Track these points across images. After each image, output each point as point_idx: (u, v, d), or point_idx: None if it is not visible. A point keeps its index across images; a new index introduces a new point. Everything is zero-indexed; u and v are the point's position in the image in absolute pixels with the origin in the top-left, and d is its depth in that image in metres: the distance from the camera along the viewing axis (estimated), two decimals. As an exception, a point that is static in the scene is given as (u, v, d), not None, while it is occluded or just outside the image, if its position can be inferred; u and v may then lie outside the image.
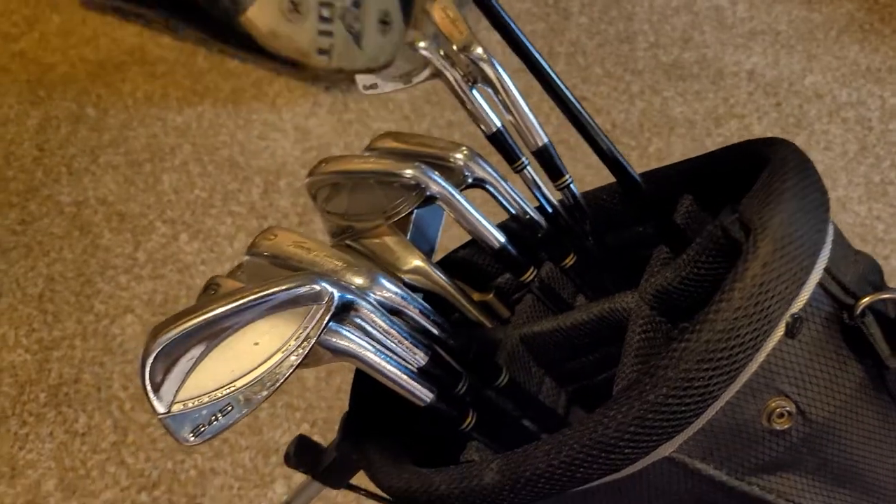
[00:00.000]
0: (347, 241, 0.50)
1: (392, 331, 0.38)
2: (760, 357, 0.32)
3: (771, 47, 1.63)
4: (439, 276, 0.49)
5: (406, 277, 0.49)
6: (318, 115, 1.48)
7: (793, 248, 0.32)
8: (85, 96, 1.49)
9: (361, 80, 0.55)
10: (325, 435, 1.09)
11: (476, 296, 0.53)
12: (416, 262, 0.49)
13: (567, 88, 0.44)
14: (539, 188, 0.49)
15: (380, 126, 1.47)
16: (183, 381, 0.34)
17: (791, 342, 0.33)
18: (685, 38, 1.65)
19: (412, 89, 0.60)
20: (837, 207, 1.35)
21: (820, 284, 0.33)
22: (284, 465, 0.99)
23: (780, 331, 0.32)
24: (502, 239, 0.46)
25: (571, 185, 0.48)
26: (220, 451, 1.06)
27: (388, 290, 0.40)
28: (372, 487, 0.45)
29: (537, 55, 0.43)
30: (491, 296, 0.52)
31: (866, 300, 0.33)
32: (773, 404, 0.33)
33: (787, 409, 0.33)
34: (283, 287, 0.35)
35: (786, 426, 0.33)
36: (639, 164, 1.42)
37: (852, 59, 1.62)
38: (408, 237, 0.51)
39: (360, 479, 0.52)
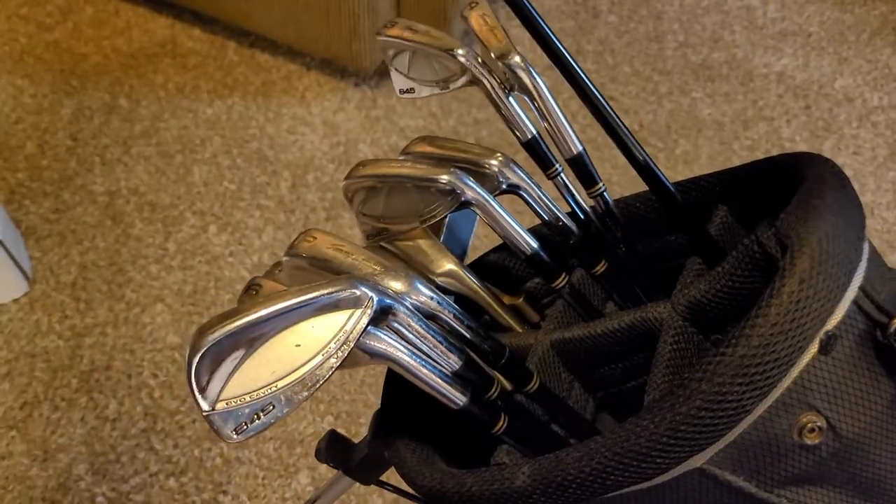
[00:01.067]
0: (382, 243, 0.51)
1: (428, 335, 0.39)
2: (794, 373, 0.33)
3: (801, 49, 1.62)
4: (471, 280, 0.50)
5: (438, 280, 0.50)
6: (346, 110, 1.50)
7: (830, 265, 0.32)
8: (118, 87, 1.52)
9: (398, 82, 0.56)
10: (349, 427, 1.10)
11: (506, 299, 0.53)
12: (449, 265, 0.50)
13: (601, 94, 0.44)
14: (572, 195, 0.50)
15: (407, 123, 1.48)
16: (227, 381, 0.35)
17: (824, 359, 0.33)
18: (715, 38, 1.64)
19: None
20: (866, 213, 1.34)
21: (854, 302, 0.33)
22: (311, 456, 1.01)
23: (814, 347, 0.33)
24: (535, 245, 0.46)
25: (605, 193, 0.48)
26: (246, 441, 1.08)
27: (425, 295, 0.41)
28: (401, 485, 0.46)
29: (571, 60, 0.44)
30: (521, 300, 0.52)
31: (901, 319, 0.33)
32: (805, 419, 0.33)
33: (819, 424, 0.33)
34: (325, 291, 0.36)
35: (816, 441, 0.34)
36: (665, 166, 1.42)
37: (884, 62, 1.59)
38: (441, 240, 0.52)
39: (389, 475, 0.53)
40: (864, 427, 0.35)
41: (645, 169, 0.43)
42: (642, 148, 0.44)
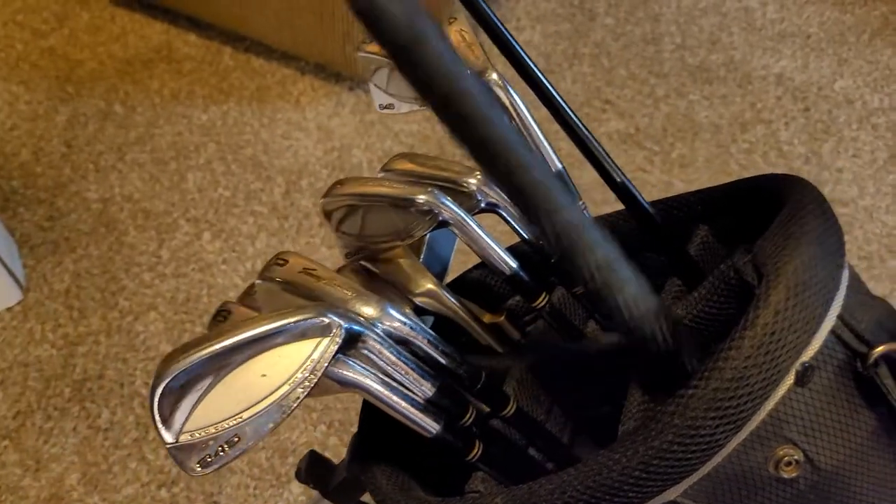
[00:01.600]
0: (361, 262, 0.50)
1: (399, 362, 0.38)
2: (769, 405, 0.32)
3: (801, 50, 1.60)
4: (450, 300, 0.49)
5: (417, 300, 0.49)
6: (340, 115, 1.49)
7: (806, 296, 0.31)
8: (113, 93, 1.51)
9: (378, 98, 0.55)
10: (342, 437, 1.10)
11: (487, 317, 0.52)
12: (428, 285, 0.49)
13: (576, 115, 0.43)
14: (553, 213, 0.49)
15: (401, 128, 1.48)
16: (191, 412, 0.34)
17: (801, 390, 0.32)
18: (713, 40, 1.63)
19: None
20: (865, 217, 1.33)
21: (833, 332, 0.32)
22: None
23: (789, 379, 0.32)
24: (514, 265, 0.46)
25: (584, 211, 0.47)
26: (238, 451, 1.08)
27: (397, 321, 0.40)
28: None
29: (546, 82, 0.43)
30: (502, 318, 0.51)
31: (881, 349, 0.32)
32: (781, 452, 0.33)
33: (796, 457, 0.33)
34: (292, 319, 0.35)
35: (793, 475, 0.33)
36: (661, 170, 1.41)
37: (885, 63, 1.58)
38: (421, 259, 0.51)
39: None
40: (844, 459, 0.34)
41: (622, 190, 0.42)
42: (619, 168, 0.43)
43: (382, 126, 1.48)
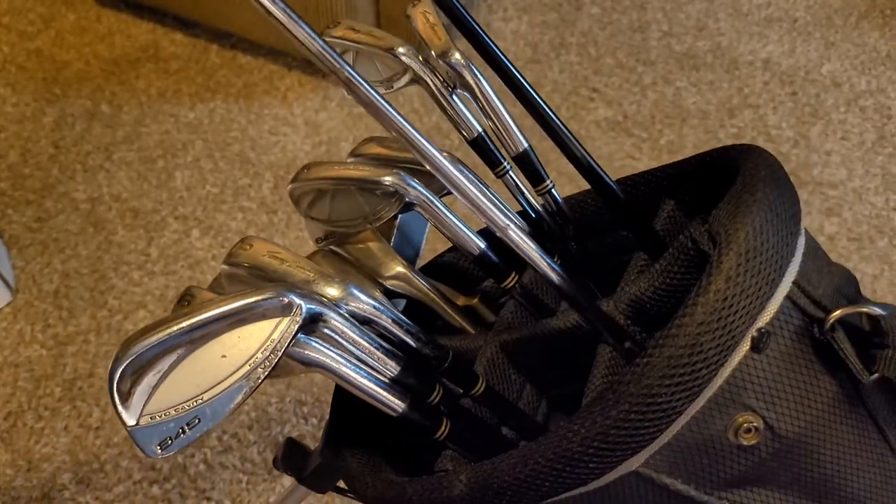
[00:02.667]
0: (331, 247, 0.50)
1: (362, 341, 0.38)
2: (725, 372, 0.32)
3: (787, 35, 1.60)
4: (420, 283, 0.49)
5: (388, 284, 0.49)
6: (328, 109, 1.49)
7: (758, 262, 0.31)
8: (99, 93, 1.51)
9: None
10: (333, 430, 1.10)
11: (461, 300, 0.52)
12: (398, 268, 0.49)
13: (538, 94, 0.43)
14: (522, 193, 0.49)
15: (389, 120, 1.47)
16: (151, 394, 0.34)
17: (758, 357, 0.32)
18: (699, 27, 1.62)
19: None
20: (854, 198, 1.33)
21: (788, 298, 0.32)
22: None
23: (745, 345, 0.32)
24: (482, 245, 0.46)
25: (553, 190, 0.47)
26: (229, 446, 1.08)
27: (361, 301, 0.40)
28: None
29: (509, 64, 0.42)
30: (476, 300, 0.51)
31: (837, 314, 0.32)
32: (741, 419, 0.32)
33: (755, 424, 0.32)
34: (251, 300, 0.35)
35: (753, 441, 0.33)
36: (650, 157, 1.41)
37: (872, 45, 1.58)
38: (392, 243, 0.51)
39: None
40: (805, 426, 0.34)
41: (586, 167, 0.42)
42: (581, 144, 0.43)
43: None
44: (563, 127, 0.42)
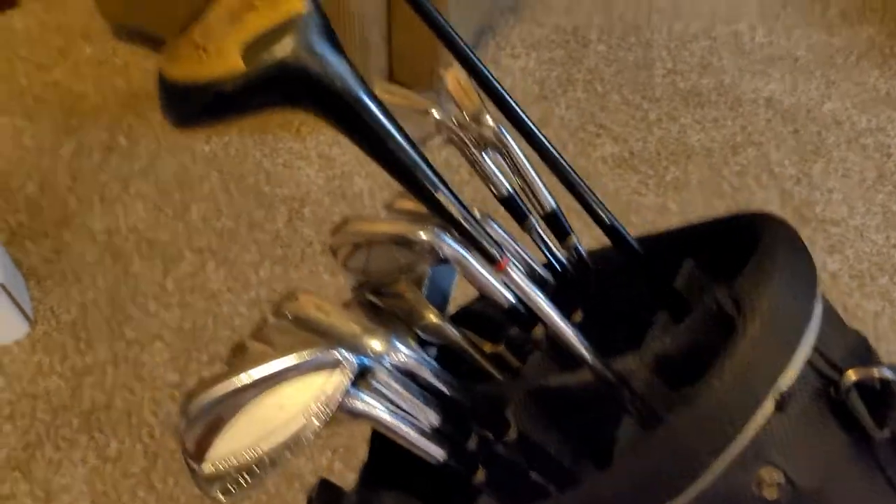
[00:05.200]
0: (367, 295, 0.53)
1: (407, 394, 0.41)
2: (749, 430, 0.34)
3: (789, 73, 1.64)
4: (452, 332, 0.51)
5: (420, 332, 0.51)
6: (341, 143, 1.52)
7: (780, 328, 0.34)
8: (116, 126, 1.55)
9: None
10: (347, 462, 1.12)
11: (488, 346, 0.55)
12: (430, 317, 0.51)
13: (562, 156, 0.46)
14: (547, 246, 0.51)
15: (401, 154, 1.50)
16: (215, 443, 0.37)
17: (780, 415, 0.35)
18: (703, 65, 1.66)
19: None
20: (855, 236, 1.36)
21: (808, 362, 0.35)
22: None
23: (768, 405, 0.34)
24: (512, 299, 0.48)
25: (577, 245, 0.50)
26: (245, 477, 1.09)
27: (403, 354, 0.42)
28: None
29: (532, 126, 0.45)
30: (502, 347, 0.54)
31: (852, 377, 0.35)
32: (764, 474, 0.35)
33: (777, 479, 0.35)
34: (307, 355, 0.38)
35: (776, 496, 0.35)
36: (656, 193, 1.44)
37: (872, 84, 1.62)
38: (423, 292, 0.54)
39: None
40: (823, 479, 0.36)
41: (608, 226, 0.45)
42: (604, 205, 0.46)
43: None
44: (586, 187, 0.45)
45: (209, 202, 1.43)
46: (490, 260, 0.40)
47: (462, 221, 0.39)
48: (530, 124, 0.44)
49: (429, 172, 0.37)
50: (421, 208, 0.53)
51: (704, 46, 1.71)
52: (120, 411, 1.17)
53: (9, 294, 1.19)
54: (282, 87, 0.32)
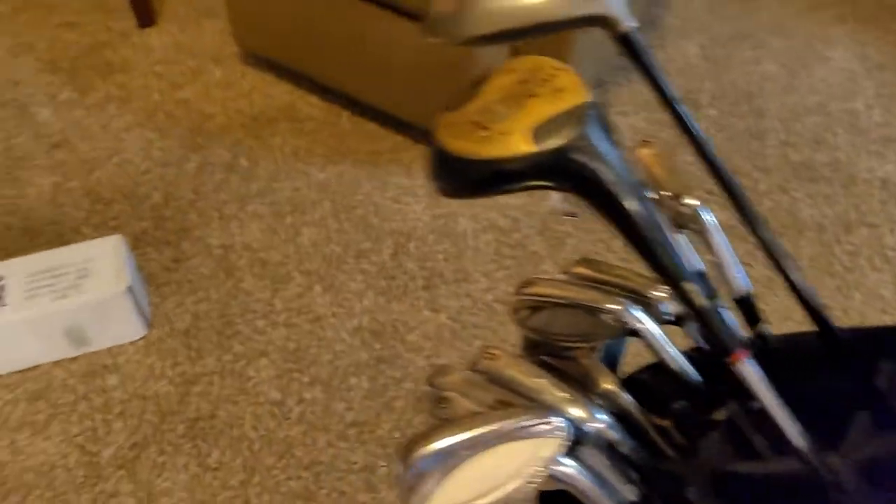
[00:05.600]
0: (542, 357, 0.54)
1: (609, 465, 0.42)
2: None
3: (907, 156, 1.61)
4: (628, 401, 0.52)
5: (596, 399, 0.53)
6: (449, 183, 1.55)
7: None
8: (238, 147, 1.62)
9: (557, 204, 0.60)
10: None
11: (655, 420, 0.56)
12: (607, 385, 0.53)
13: (772, 235, 0.47)
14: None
15: (506, 200, 1.53)
16: (434, 492, 0.39)
17: None
18: (817, 140, 1.65)
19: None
20: (975, 332, 1.31)
21: None
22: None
23: None
24: (699, 378, 0.49)
25: (766, 330, 0.51)
26: (338, 501, 1.11)
27: (604, 424, 0.44)
28: None
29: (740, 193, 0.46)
30: (670, 423, 0.55)
31: None
32: None
33: None
34: (526, 419, 0.39)
35: None
36: (764, 265, 1.41)
37: None
38: (600, 358, 0.55)
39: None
40: None
41: (812, 308, 0.46)
42: (819, 301, 0.46)
43: (488, 198, 1.53)
44: (802, 282, 0.46)
45: (320, 228, 1.48)
46: (724, 351, 0.41)
47: (703, 311, 0.40)
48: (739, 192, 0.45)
49: (678, 262, 0.38)
50: (601, 276, 0.55)
51: (818, 122, 1.69)
52: (223, 422, 1.20)
53: (133, 296, 1.25)
54: (560, 171, 0.34)
